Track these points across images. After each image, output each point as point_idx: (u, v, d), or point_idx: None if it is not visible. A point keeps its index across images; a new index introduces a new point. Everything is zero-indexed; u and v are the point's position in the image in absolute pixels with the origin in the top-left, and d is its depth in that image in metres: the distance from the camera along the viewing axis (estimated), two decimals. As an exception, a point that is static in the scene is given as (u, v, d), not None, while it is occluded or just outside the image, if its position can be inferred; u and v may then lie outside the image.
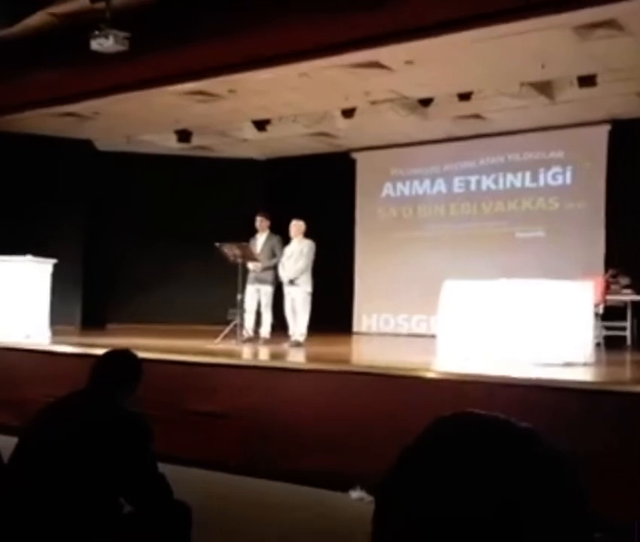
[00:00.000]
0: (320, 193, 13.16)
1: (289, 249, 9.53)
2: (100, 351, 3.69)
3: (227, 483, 6.17)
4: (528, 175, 12.27)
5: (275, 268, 9.63)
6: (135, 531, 3.15)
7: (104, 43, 8.16)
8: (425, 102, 10.44)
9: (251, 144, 12.78)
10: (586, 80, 9.16)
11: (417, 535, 0.70)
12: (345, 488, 5.67)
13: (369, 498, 5.30)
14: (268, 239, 9.83)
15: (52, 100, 10.13)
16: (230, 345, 9.04)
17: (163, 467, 3.27)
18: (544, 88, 9.76)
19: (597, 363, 7.42)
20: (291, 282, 9.39)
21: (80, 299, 13.39)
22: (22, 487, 2.93)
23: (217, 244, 9.52)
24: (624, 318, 10.51)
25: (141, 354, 3.85)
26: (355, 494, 5.60)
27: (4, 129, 11.85)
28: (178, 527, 3.27)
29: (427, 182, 13.20)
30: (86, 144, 13.38)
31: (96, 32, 8.15)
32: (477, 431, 0.74)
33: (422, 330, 12.29)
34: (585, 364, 7.06)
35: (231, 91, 10.07)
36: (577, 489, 0.73)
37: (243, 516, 5.26)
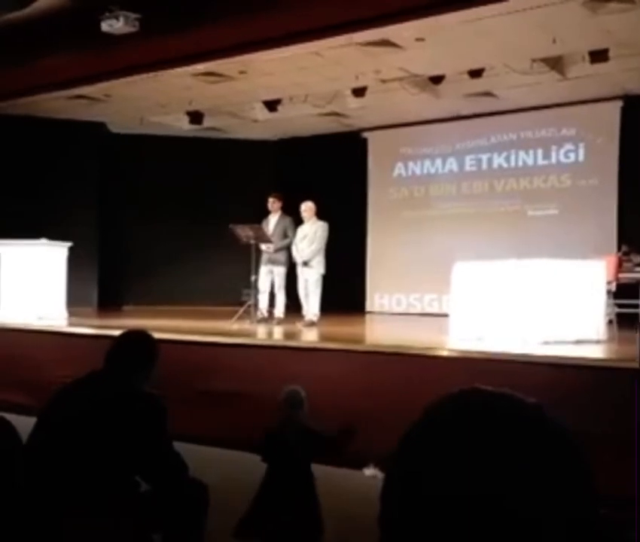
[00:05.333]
0: (331, 173, 13.14)
1: (303, 230, 9.54)
2: (116, 333, 3.73)
3: (241, 461, 6.23)
4: (540, 152, 12.20)
5: (288, 249, 9.64)
6: (152, 508, 3.21)
7: (114, 24, 8.17)
8: (436, 80, 10.39)
9: (262, 125, 12.77)
10: (598, 55, 9.07)
11: (425, 511, 0.71)
12: (358, 465, 5.72)
13: (382, 476, 5.34)
14: (280, 219, 9.84)
15: (63, 83, 10.15)
16: (245, 325, 9.09)
17: (179, 447, 3.31)
18: (556, 64, 9.68)
19: (609, 340, 7.41)
20: (305, 264, 9.42)
21: (96, 281, 13.47)
22: (39, 467, 2.98)
23: (230, 225, 9.56)
24: (637, 296, 10.46)
25: (157, 335, 3.88)
26: (369, 471, 5.65)
27: (17, 112, 11.90)
28: (194, 505, 3.32)
29: (438, 161, 13.16)
30: (100, 127, 13.42)
31: (107, 14, 8.16)
32: (485, 407, 0.75)
33: (433, 309, 12.31)
34: (597, 342, 7.07)
35: (242, 72, 10.06)
36: (582, 465, 0.73)
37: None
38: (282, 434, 4.08)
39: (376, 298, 13.48)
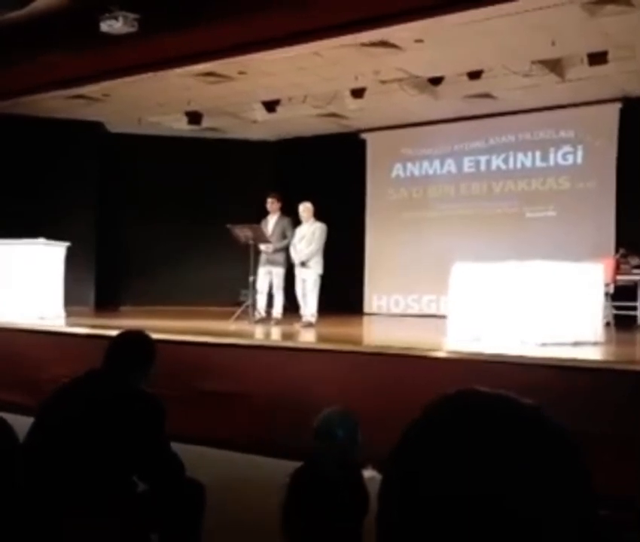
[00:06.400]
0: (330, 173, 13.15)
1: (301, 231, 9.55)
2: (114, 333, 3.73)
3: (238, 462, 6.24)
4: (538, 154, 12.21)
5: (287, 249, 9.64)
6: (149, 508, 3.21)
7: (113, 24, 8.17)
8: (435, 81, 10.40)
9: (261, 126, 12.77)
10: (597, 58, 9.08)
11: (423, 511, 0.71)
12: (356, 467, 5.72)
13: (380, 478, 5.33)
14: (279, 220, 9.84)
15: (62, 82, 10.15)
16: (243, 325, 9.09)
17: (177, 447, 3.31)
18: (555, 66, 9.69)
19: (607, 342, 7.42)
20: (303, 264, 9.42)
21: (94, 281, 13.45)
22: (36, 466, 2.98)
23: (228, 225, 9.56)
24: (634, 298, 10.49)
25: (155, 336, 3.88)
26: (367, 473, 5.64)
27: (16, 111, 11.89)
28: (191, 505, 3.32)
29: (437, 162, 13.17)
30: (98, 127, 13.41)
31: (106, 14, 8.16)
32: (484, 407, 0.75)
33: (432, 310, 12.31)
34: (595, 343, 7.07)
35: (241, 72, 10.06)
36: (580, 466, 0.73)
37: (255, 495, 5.31)
38: (313, 471, 3.16)
39: (375, 299, 13.48)
